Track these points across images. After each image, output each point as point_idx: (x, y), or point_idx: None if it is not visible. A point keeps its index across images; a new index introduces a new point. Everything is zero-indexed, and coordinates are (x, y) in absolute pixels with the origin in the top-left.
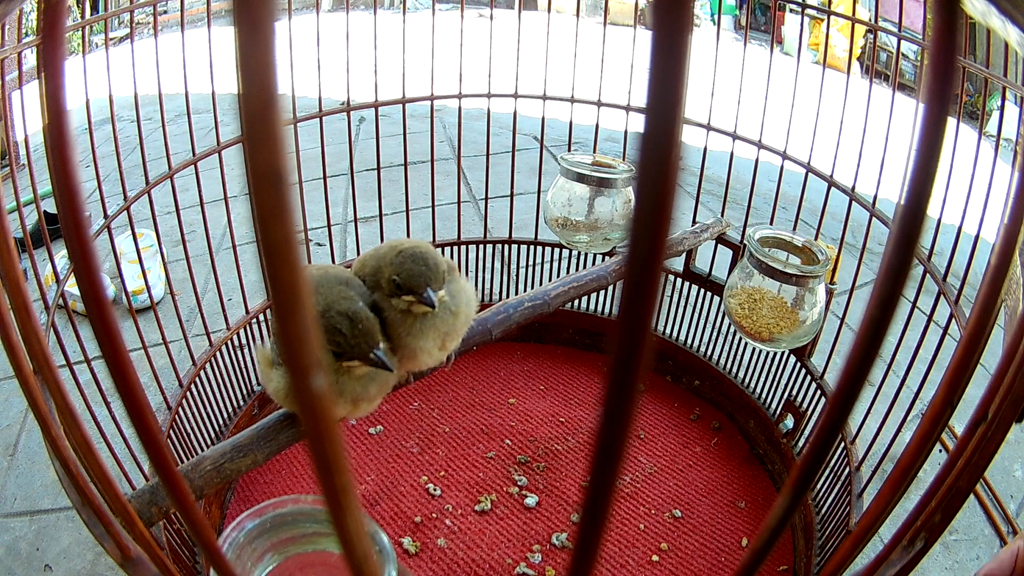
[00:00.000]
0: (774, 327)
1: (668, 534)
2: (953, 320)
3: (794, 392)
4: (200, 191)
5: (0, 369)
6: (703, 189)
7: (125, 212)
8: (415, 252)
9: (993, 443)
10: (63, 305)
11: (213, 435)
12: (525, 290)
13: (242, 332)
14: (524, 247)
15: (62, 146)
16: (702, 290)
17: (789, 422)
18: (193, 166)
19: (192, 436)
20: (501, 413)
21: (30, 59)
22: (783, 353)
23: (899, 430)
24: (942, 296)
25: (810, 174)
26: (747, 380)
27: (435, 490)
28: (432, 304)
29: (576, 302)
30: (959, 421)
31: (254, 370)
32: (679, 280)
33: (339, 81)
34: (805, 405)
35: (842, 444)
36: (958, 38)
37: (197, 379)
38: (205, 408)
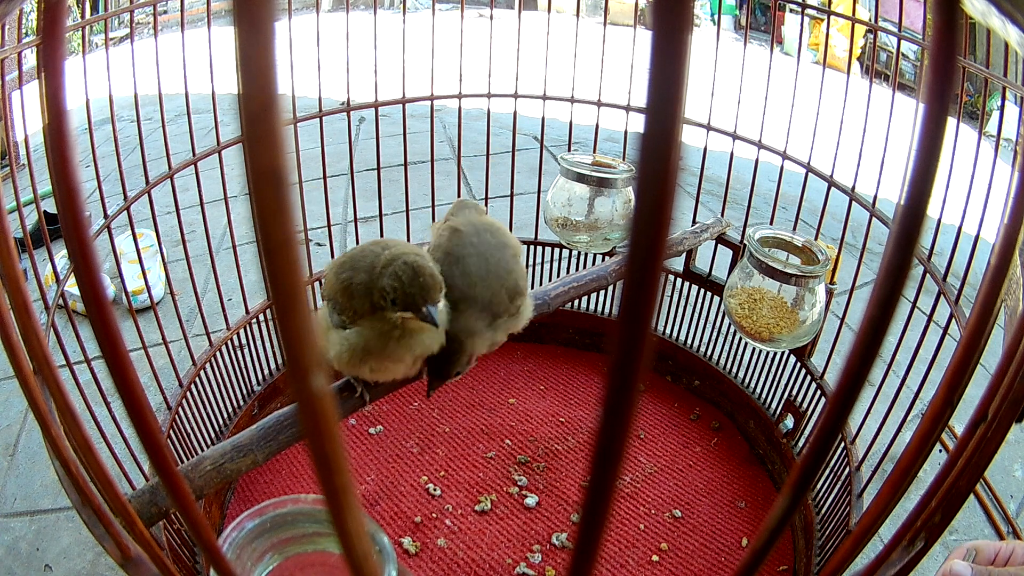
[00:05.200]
0: (774, 327)
1: (668, 534)
2: (953, 320)
3: (794, 392)
4: (200, 191)
5: (0, 369)
6: (703, 189)
7: (125, 212)
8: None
9: (993, 443)
10: (63, 305)
11: (213, 435)
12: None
13: (242, 332)
14: (524, 247)
15: (62, 146)
16: (702, 290)
17: (789, 422)
18: (193, 166)
19: (192, 436)
20: (501, 413)
21: (30, 59)
22: (783, 353)
23: (899, 430)
24: (942, 296)
25: (810, 174)
26: (747, 380)
27: (435, 490)
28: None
29: (576, 302)
30: (959, 421)
31: (254, 370)
32: (679, 280)
33: (339, 81)
34: (805, 405)
35: (842, 444)
36: (958, 38)
37: (197, 379)
38: (205, 408)
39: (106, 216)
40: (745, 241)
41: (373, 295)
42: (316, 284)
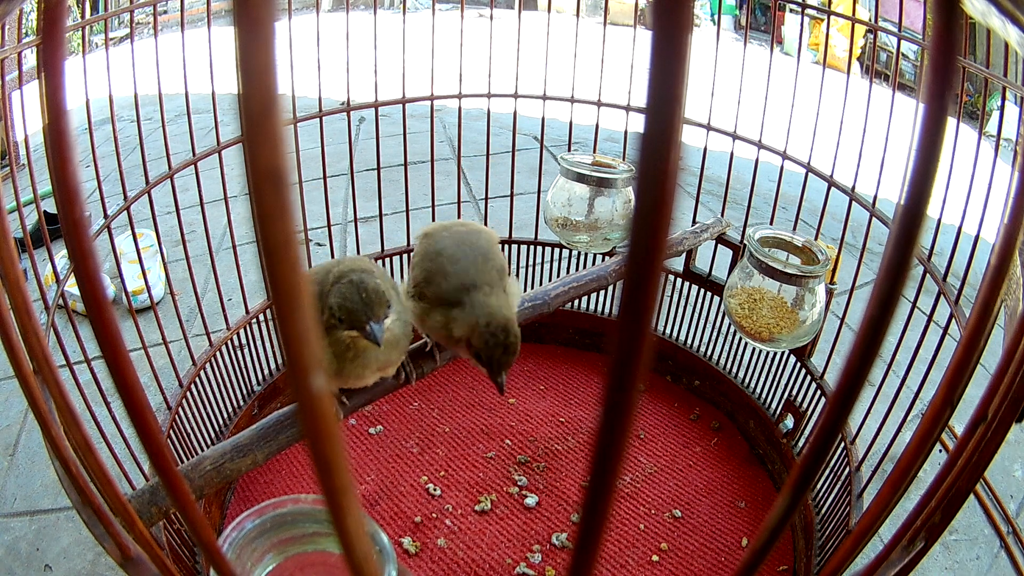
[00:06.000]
0: (774, 327)
1: (668, 534)
2: (953, 320)
3: (794, 392)
4: (200, 191)
5: (0, 369)
6: (703, 189)
7: (125, 212)
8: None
9: (993, 443)
10: (63, 305)
11: (213, 435)
12: (525, 290)
13: (242, 332)
14: (524, 247)
15: (62, 146)
16: (702, 290)
17: (789, 422)
18: (193, 166)
19: (192, 436)
20: (501, 413)
21: (30, 59)
22: (783, 353)
23: (899, 430)
24: (942, 296)
25: (810, 174)
26: (747, 380)
27: (435, 490)
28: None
29: (576, 302)
30: (959, 421)
31: (254, 370)
32: (679, 280)
33: (339, 81)
34: (805, 405)
35: (842, 444)
36: (958, 38)
37: (197, 379)
38: (205, 408)
39: (106, 216)
40: (745, 241)
41: (323, 314)
42: None
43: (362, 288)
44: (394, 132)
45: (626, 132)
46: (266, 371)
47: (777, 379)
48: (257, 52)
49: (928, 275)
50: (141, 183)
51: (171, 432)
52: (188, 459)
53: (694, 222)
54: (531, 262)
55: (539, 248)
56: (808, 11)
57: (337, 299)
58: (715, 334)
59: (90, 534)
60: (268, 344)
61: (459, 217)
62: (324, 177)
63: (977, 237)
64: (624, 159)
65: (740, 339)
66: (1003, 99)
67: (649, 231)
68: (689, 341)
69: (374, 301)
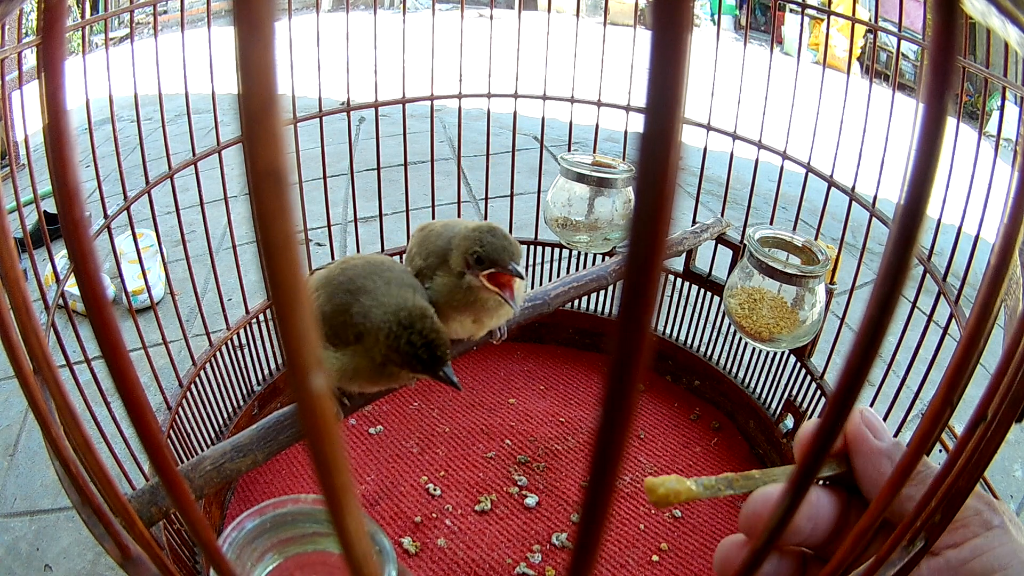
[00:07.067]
0: (774, 327)
1: (668, 534)
2: (953, 320)
3: (794, 392)
4: (200, 191)
5: (0, 369)
6: (703, 189)
7: (125, 212)
8: (495, 227)
9: (993, 443)
10: (63, 305)
11: (213, 435)
12: (525, 290)
13: (242, 332)
14: (524, 247)
15: (62, 146)
16: (702, 290)
17: (789, 422)
18: (193, 166)
19: (192, 436)
20: (501, 413)
21: (30, 59)
22: (783, 353)
23: (899, 430)
24: (942, 296)
25: (810, 174)
26: (747, 380)
27: (435, 490)
28: (521, 275)
29: (576, 302)
30: (959, 421)
31: (254, 370)
32: (679, 280)
33: (339, 81)
34: (805, 405)
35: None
36: (958, 38)
37: (197, 379)
38: (205, 408)
39: (106, 216)
40: (745, 241)
41: (372, 350)
42: None
43: (430, 334)
44: (394, 132)
45: (626, 132)
46: (266, 371)
47: (777, 379)
48: (257, 52)
49: (928, 275)
50: (141, 183)
51: (171, 432)
52: (188, 459)
53: (694, 222)
54: (531, 262)
55: (539, 248)
56: (808, 11)
57: (406, 347)
58: (715, 334)
59: (90, 534)
60: (268, 344)
61: (459, 217)
62: (324, 177)
63: (977, 237)
64: (624, 159)
65: (740, 339)
66: (1003, 99)
67: (649, 231)
68: (689, 341)
69: (443, 342)
